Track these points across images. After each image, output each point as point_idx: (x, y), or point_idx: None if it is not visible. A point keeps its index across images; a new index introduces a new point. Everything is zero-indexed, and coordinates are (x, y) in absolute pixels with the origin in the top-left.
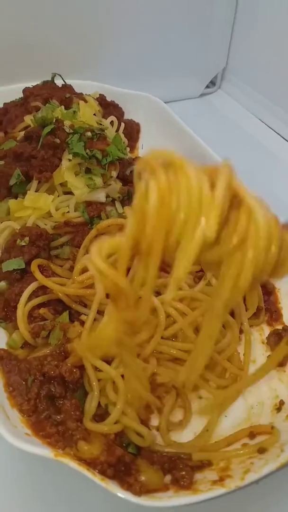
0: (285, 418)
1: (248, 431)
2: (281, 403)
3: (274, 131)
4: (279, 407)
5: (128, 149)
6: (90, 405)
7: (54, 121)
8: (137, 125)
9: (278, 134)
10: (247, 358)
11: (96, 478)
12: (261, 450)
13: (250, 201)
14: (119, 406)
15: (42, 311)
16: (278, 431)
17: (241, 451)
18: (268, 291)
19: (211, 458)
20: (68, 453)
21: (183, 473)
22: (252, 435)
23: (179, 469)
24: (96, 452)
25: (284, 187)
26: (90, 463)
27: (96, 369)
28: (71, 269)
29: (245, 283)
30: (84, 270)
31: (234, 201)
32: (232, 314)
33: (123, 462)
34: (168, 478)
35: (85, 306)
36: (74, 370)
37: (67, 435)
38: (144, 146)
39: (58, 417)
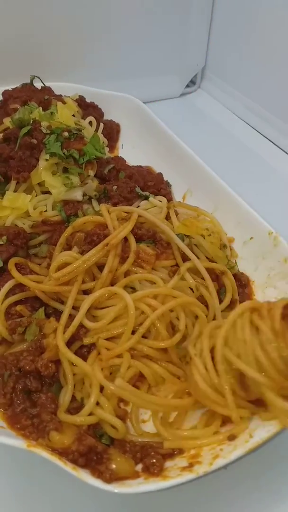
0: None
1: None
2: None
3: (254, 129)
4: None
5: (107, 149)
6: (64, 398)
7: (31, 122)
8: (117, 125)
9: (258, 132)
10: None
11: (68, 467)
12: (231, 437)
13: None
14: (92, 399)
15: (19, 308)
16: (247, 418)
17: (212, 438)
18: (243, 284)
19: (182, 446)
20: (41, 444)
21: (154, 460)
22: (222, 422)
23: (150, 457)
24: (67, 442)
25: (265, 183)
26: (62, 453)
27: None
28: (49, 266)
29: None
30: (61, 267)
31: None
32: (206, 305)
33: (95, 451)
34: (139, 466)
35: (62, 302)
36: (50, 365)
37: (41, 427)
38: (124, 146)
39: (34, 410)
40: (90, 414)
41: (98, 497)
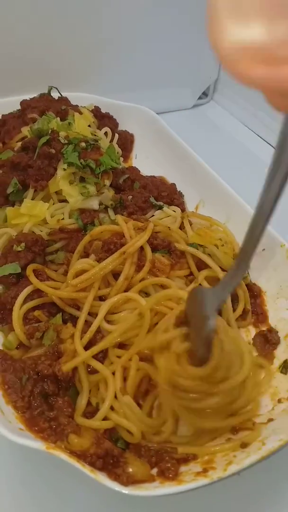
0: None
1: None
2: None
3: (265, 141)
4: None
5: (122, 159)
6: (81, 402)
7: (49, 132)
8: (131, 135)
9: (270, 144)
10: None
11: (86, 469)
12: (244, 445)
13: None
14: (107, 402)
15: (36, 313)
16: (260, 426)
17: (225, 445)
18: (255, 294)
19: (196, 452)
20: (59, 446)
21: (169, 465)
22: (234, 430)
23: (165, 461)
24: (85, 445)
25: None
26: (80, 456)
27: (88, 367)
28: (65, 273)
29: None
30: (78, 274)
31: None
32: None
33: (112, 455)
34: (154, 470)
35: (78, 308)
36: None
37: (59, 430)
38: (138, 156)
39: (51, 413)
40: (105, 418)
41: (109, 500)
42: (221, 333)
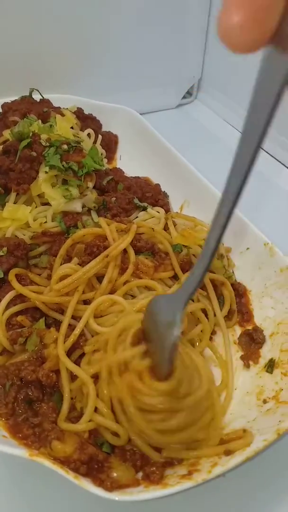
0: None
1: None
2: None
3: None
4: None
5: (105, 160)
6: (63, 407)
7: (30, 135)
8: (115, 136)
9: None
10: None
11: (70, 476)
12: (227, 452)
13: None
14: (90, 404)
15: (19, 318)
16: (251, 434)
17: (211, 450)
18: (240, 293)
19: (181, 456)
20: (43, 453)
21: (154, 468)
22: (223, 441)
23: (150, 465)
24: (69, 451)
25: (260, 194)
26: (63, 462)
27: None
28: (49, 277)
29: None
30: (62, 278)
31: None
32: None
33: (96, 460)
34: (140, 474)
35: (62, 313)
36: (51, 375)
37: (43, 436)
38: (122, 157)
39: (35, 419)
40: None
41: (100, 504)
42: (179, 347)
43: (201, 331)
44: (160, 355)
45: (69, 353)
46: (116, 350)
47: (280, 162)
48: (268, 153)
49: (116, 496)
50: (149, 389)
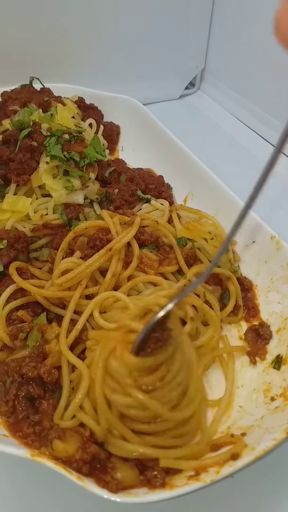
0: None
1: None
2: None
3: (253, 130)
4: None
5: (107, 151)
6: (60, 404)
7: (31, 124)
8: (117, 127)
9: (256, 133)
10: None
11: (73, 477)
12: (235, 457)
13: None
14: (77, 400)
15: (20, 313)
16: (239, 437)
17: (215, 459)
18: (246, 288)
19: (180, 467)
20: (43, 453)
21: (155, 473)
22: (215, 447)
23: (151, 469)
24: (71, 451)
25: (268, 188)
26: (65, 462)
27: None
28: (50, 271)
29: None
30: (64, 272)
31: None
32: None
33: (99, 459)
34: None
35: (64, 307)
36: (53, 371)
37: (43, 435)
38: (124, 148)
39: (36, 417)
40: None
41: (98, 504)
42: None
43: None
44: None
45: (71, 349)
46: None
47: (285, 154)
48: (272, 145)
49: (121, 498)
50: (121, 360)
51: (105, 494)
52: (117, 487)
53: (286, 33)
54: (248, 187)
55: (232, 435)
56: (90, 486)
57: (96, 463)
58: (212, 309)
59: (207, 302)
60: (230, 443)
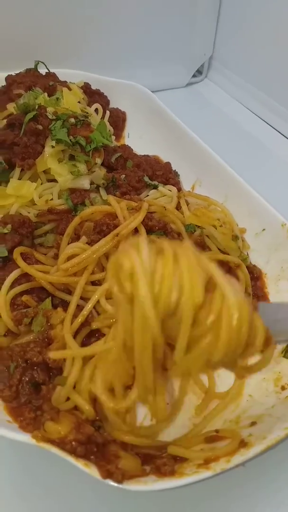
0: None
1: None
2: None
3: (261, 118)
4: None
5: (113, 137)
6: (58, 387)
7: (36, 107)
8: (123, 113)
9: (264, 121)
10: None
11: (79, 463)
12: (243, 444)
13: (223, 285)
14: (71, 380)
15: (24, 298)
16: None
17: (226, 449)
18: (255, 276)
19: (188, 456)
20: (36, 436)
21: (164, 460)
22: (210, 440)
23: (160, 457)
24: (64, 431)
25: (272, 173)
26: (59, 443)
27: None
28: (55, 256)
29: (216, 361)
30: (69, 258)
31: (209, 285)
32: None
33: (95, 442)
34: (147, 468)
35: (69, 293)
36: None
37: (38, 418)
38: (131, 135)
39: (37, 402)
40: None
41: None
42: None
43: None
44: None
45: (76, 332)
46: None
47: None
48: (280, 133)
49: (129, 485)
50: None
51: (111, 482)
52: (123, 477)
53: None
54: (254, 174)
55: (217, 431)
56: (95, 472)
57: (92, 446)
58: None
59: None
60: (224, 438)
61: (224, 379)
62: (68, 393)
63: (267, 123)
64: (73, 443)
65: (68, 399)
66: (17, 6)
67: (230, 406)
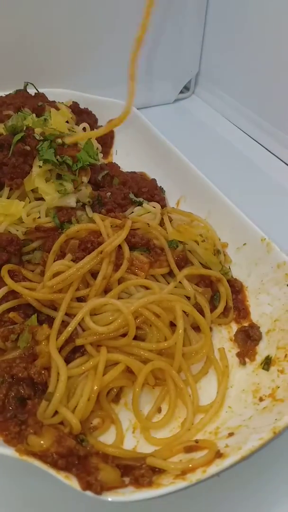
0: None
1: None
2: None
3: (247, 134)
4: None
5: (101, 155)
6: (43, 401)
7: (24, 128)
8: (111, 131)
9: (251, 137)
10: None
11: (60, 476)
12: (219, 455)
13: None
14: (57, 394)
15: (11, 315)
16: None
17: (201, 460)
18: (236, 290)
19: (166, 468)
20: (19, 449)
21: (142, 471)
22: (188, 449)
23: (139, 468)
24: (46, 444)
25: (257, 189)
26: (41, 456)
27: None
28: (42, 273)
29: None
30: (55, 275)
31: None
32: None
33: (77, 455)
34: (127, 479)
35: (55, 309)
36: (43, 372)
37: (22, 432)
38: (118, 152)
39: (23, 416)
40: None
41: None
42: None
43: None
44: None
45: (60, 348)
46: None
47: (278, 158)
48: (266, 149)
49: (108, 497)
50: None
51: (90, 494)
52: (102, 489)
53: None
54: (239, 191)
55: (197, 441)
56: (77, 485)
57: (74, 458)
58: (203, 311)
59: (197, 304)
60: (203, 448)
61: (206, 390)
62: (56, 408)
63: (253, 139)
64: (54, 455)
65: (55, 413)
66: (5, 29)
67: (214, 418)
